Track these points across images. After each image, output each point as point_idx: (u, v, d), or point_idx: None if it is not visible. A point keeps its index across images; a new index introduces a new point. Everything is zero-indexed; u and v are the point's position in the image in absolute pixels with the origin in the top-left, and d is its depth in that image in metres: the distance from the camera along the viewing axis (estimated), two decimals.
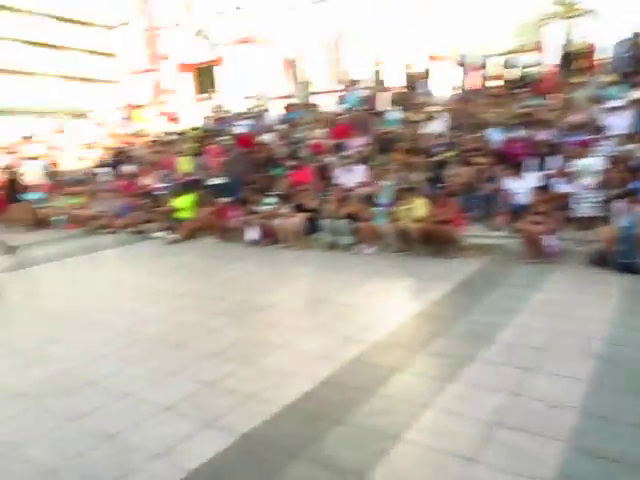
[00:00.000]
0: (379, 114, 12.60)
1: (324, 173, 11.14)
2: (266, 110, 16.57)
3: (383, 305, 5.92)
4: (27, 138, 21.63)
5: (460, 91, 14.59)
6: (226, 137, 12.00)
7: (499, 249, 7.66)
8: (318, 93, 16.67)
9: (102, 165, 15.84)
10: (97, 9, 40.84)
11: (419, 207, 8.16)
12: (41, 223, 13.79)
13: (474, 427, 3.34)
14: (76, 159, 16.99)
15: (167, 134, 16.98)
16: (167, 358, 4.79)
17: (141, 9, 27.76)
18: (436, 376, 4.08)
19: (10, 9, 37.10)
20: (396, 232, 8.26)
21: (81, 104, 32.00)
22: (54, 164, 16.79)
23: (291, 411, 3.69)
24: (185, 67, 25.22)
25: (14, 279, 8.60)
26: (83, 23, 41.78)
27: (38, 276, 8.73)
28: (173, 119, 19.38)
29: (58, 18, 40.06)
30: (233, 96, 19.46)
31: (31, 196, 14.98)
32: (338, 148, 11.42)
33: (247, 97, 20.20)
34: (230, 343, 5.03)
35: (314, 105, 14.65)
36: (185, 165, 13.45)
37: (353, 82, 15.69)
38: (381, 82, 15.41)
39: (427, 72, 16.86)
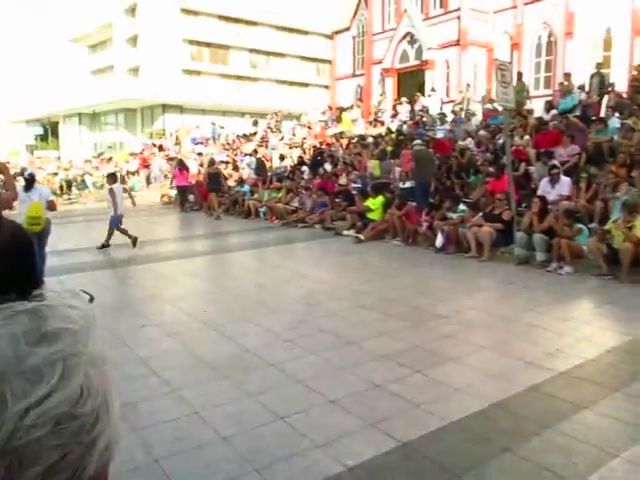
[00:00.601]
0: (596, 121, 11.38)
1: (524, 183, 10.47)
2: (473, 114, 16.10)
3: (575, 332, 5.35)
4: (245, 136, 24.17)
5: None
6: (420, 141, 11.93)
7: None
8: (527, 98, 15.70)
9: (304, 163, 16.96)
10: (315, 19, 43.86)
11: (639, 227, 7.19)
12: (247, 213, 15.31)
13: None
14: (283, 157, 18.44)
15: (365, 137, 17.51)
16: (340, 352, 4.93)
17: (356, 17, 29.01)
18: (631, 422, 3.56)
19: (237, 20, 41.80)
20: (604, 252, 7.39)
21: (294, 107, 34.76)
22: (264, 160, 18.46)
23: (456, 428, 3.53)
24: (390, 71, 25.71)
25: (213, 263, 9.66)
26: (301, 32, 45.18)
27: (232, 262, 9.66)
28: (375, 122, 19.90)
29: (278, 28, 43.94)
30: (437, 100, 19.27)
31: (241, 188, 16.71)
32: (543, 157, 10.62)
33: (451, 101, 19.88)
34: (402, 348, 5.00)
35: (520, 110, 13.80)
36: (373, 168, 13.76)
37: (567, 86, 14.43)
38: (603, 86, 13.88)
39: None
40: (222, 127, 26.80)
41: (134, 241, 10.66)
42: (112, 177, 11.56)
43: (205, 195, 16.97)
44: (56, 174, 21.17)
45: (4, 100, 55.92)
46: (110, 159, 27.18)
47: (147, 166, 25.09)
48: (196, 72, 40.68)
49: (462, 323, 5.70)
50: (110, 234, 10.65)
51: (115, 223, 10.64)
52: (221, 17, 41.37)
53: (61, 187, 21.03)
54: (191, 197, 18.34)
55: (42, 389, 0.48)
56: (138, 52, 39.30)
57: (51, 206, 7.19)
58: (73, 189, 22.88)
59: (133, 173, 24.50)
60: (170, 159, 23.59)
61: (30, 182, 7.25)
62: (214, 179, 16.66)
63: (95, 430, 0.52)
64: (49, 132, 47.29)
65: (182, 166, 18.40)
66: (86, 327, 0.55)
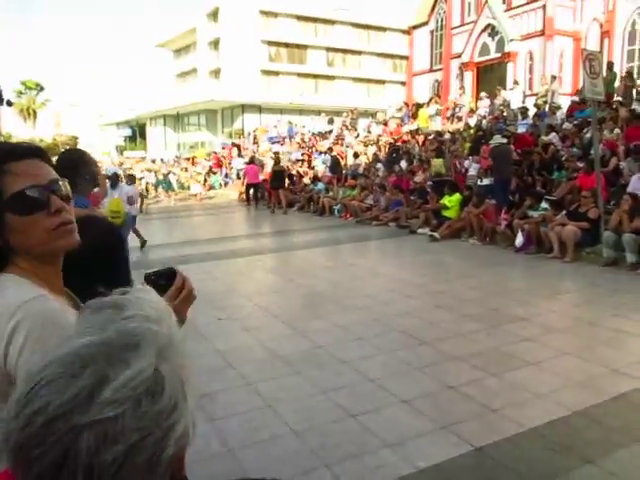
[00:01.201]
0: None
1: (613, 179, 9.87)
2: (558, 107, 15.36)
3: None
4: (321, 134, 24.36)
5: None
6: (499, 136, 11.51)
7: None
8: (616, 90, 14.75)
9: (379, 161, 16.86)
10: (392, 14, 43.52)
11: None
12: (322, 211, 15.43)
13: None
14: (357, 154, 18.43)
15: (443, 133, 17.14)
16: (414, 352, 4.87)
17: (434, 10, 28.45)
18: None
19: (315, 20, 42.18)
20: None
21: (370, 104, 34.66)
22: (339, 158, 18.53)
23: (534, 436, 3.39)
24: (469, 65, 25.01)
25: (288, 259, 9.81)
26: (378, 28, 44.88)
27: (306, 258, 9.76)
28: (453, 118, 19.44)
29: (355, 25, 43.87)
30: (519, 94, 18.52)
31: (315, 186, 16.87)
32: (634, 152, 9.95)
33: (534, 95, 19.05)
34: (478, 350, 4.86)
35: (609, 102, 13.00)
36: (439, 166, 13.46)
37: None
38: None
39: None
40: (303, 126, 27.18)
41: (143, 243, 10.85)
42: (131, 178, 12.05)
43: (270, 192, 17.76)
44: (142, 178, 22.04)
45: (96, 104, 59.66)
46: (193, 159, 28.17)
47: (220, 165, 25.91)
48: (274, 72, 41.47)
49: (542, 326, 5.46)
50: (138, 233, 10.86)
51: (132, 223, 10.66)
52: (299, 17, 41.91)
53: (147, 189, 21.90)
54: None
55: (127, 370, 0.54)
56: (219, 55, 40.59)
57: (130, 201, 7.87)
58: (159, 189, 23.97)
59: (214, 172, 25.37)
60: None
61: (115, 180, 7.93)
62: (278, 177, 17.39)
63: (173, 416, 0.55)
64: (137, 133, 49.91)
65: (253, 164, 19.15)
66: (161, 318, 0.61)
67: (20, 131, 46.44)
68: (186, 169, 25.34)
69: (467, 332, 5.33)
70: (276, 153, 21.96)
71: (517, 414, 3.66)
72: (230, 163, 25.52)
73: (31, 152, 1.13)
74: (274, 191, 17.23)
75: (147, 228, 12.34)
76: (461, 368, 4.46)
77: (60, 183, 1.15)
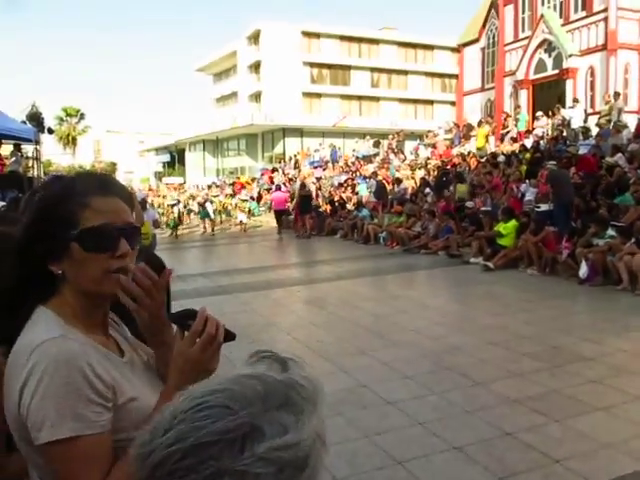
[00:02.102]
0: None
1: None
2: (624, 126, 14.97)
3: None
4: (365, 158, 24.49)
5: None
6: (554, 162, 11.28)
7: None
8: None
9: (427, 185, 16.75)
10: (440, 32, 43.84)
11: None
12: (366, 239, 15.40)
13: None
14: (404, 178, 18.39)
15: (496, 155, 16.93)
16: (466, 394, 4.72)
17: (485, 27, 28.47)
18: None
19: (359, 40, 42.88)
20: None
21: (417, 125, 34.74)
22: (385, 183, 18.53)
23: None
24: (525, 83, 24.78)
25: (329, 290, 9.77)
26: (425, 47, 45.22)
27: (349, 289, 9.70)
28: (509, 139, 19.21)
29: (401, 44, 44.33)
30: (580, 112, 18.17)
31: (359, 213, 16.88)
32: None
33: (596, 113, 18.66)
34: (539, 392, 4.66)
35: None
36: (461, 192, 13.37)
37: None
38: None
39: None
40: (353, 150, 27.45)
41: None
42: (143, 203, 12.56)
43: (297, 217, 18.53)
44: (174, 205, 21.79)
45: (136, 130, 62.01)
46: (241, 185, 28.25)
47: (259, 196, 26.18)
48: (316, 95, 42.25)
49: (611, 367, 5.21)
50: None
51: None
52: (342, 37, 42.74)
53: (179, 216, 21.66)
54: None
55: (287, 435, 0.56)
56: (260, 78, 41.70)
57: (155, 224, 9.01)
58: (192, 216, 24.29)
59: (253, 198, 25.70)
60: (289, 181, 24.53)
61: (143, 205, 8.99)
62: (305, 202, 18.17)
63: None
64: (176, 159, 51.44)
65: (279, 190, 20.14)
66: (317, 397, 0.63)
67: (60, 158, 48.60)
68: (232, 195, 25.35)
69: (525, 372, 5.14)
70: (319, 179, 22.17)
71: (583, 466, 3.46)
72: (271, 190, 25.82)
73: (117, 192, 1.18)
74: (301, 217, 18.07)
75: (181, 256, 12.62)
76: (519, 412, 4.29)
77: (134, 229, 1.18)
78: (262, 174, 30.46)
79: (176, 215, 20.95)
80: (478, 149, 18.87)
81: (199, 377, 0.95)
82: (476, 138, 19.81)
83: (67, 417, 1.00)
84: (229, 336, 1.13)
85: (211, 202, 21.66)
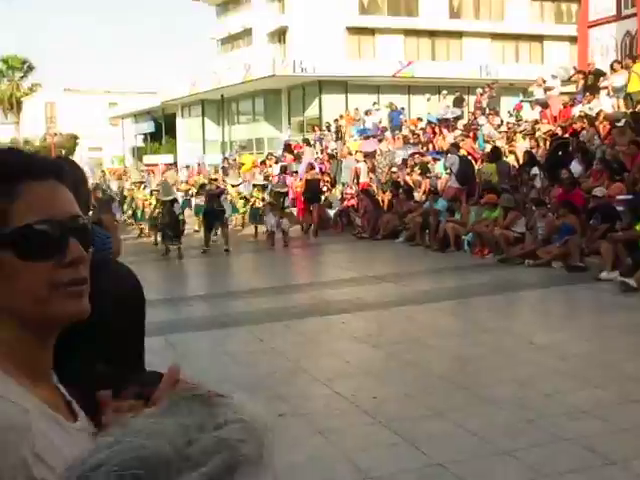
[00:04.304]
0: None
1: None
2: None
3: None
4: (442, 123, 24.39)
5: None
6: None
7: None
8: None
9: (534, 163, 16.51)
10: None
11: None
12: (444, 243, 15.28)
13: None
14: (499, 153, 18.20)
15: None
16: (596, 476, 4.67)
17: None
18: None
19: None
20: None
21: (519, 73, 34.54)
22: (470, 159, 18.36)
23: None
24: None
25: (389, 320, 9.72)
26: None
27: (418, 319, 9.68)
28: None
29: None
30: None
31: (435, 205, 16.78)
32: None
33: None
34: None
35: None
36: (490, 174, 12.98)
37: None
38: None
39: None
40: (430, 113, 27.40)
41: None
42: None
43: (302, 207, 19.51)
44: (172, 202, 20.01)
45: (105, 88, 62.92)
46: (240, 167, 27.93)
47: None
48: (368, 31, 42.24)
49: None
50: None
51: None
52: None
53: (177, 221, 20.79)
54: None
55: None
56: (285, 8, 41.92)
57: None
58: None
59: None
60: (329, 159, 24.62)
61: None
62: (312, 187, 19.10)
63: None
64: (163, 129, 52.13)
65: (285, 173, 20.75)
66: (261, 433, 0.69)
67: None
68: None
69: None
70: (367, 155, 22.14)
71: None
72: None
73: (51, 170, 1.17)
74: (307, 205, 19.07)
75: (171, 270, 12.69)
76: None
77: (84, 222, 1.18)
78: (287, 149, 29.94)
79: (171, 218, 17.86)
80: (628, 95, 18.40)
81: None
82: (628, 80, 19.21)
83: None
84: None
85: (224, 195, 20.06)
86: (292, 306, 10.45)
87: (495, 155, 17.76)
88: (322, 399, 6.43)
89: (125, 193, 26.33)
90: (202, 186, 21.48)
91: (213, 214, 17.73)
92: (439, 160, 20.18)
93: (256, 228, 20.10)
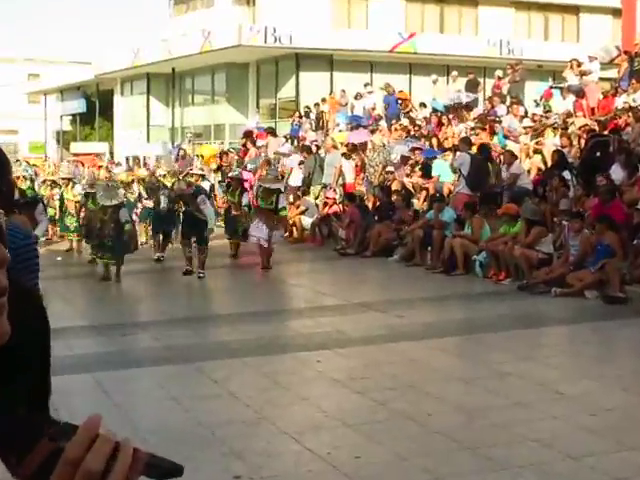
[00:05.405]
0: None
1: None
2: None
3: None
4: (454, 110, 24.54)
5: None
6: None
7: None
8: None
9: (565, 166, 16.61)
10: None
11: None
12: (449, 264, 15.33)
13: None
14: (523, 151, 18.33)
15: None
16: None
17: None
18: None
19: None
20: None
21: (549, 52, 34.83)
22: (485, 159, 18.45)
23: None
24: None
25: (377, 359, 9.73)
26: None
27: (415, 359, 9.73)
28: None
29: None
30: None
31: (441, 215, 16.85)
32: None
33: None
34: None
35: None
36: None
37: None
38: None
39: None
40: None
41: None
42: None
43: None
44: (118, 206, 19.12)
45: (25, 56, 62.78)
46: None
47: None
48: None
49: None
50: None
51: None
52: None
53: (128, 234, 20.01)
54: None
55: None
56: None
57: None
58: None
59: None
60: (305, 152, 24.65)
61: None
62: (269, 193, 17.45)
63: None
64: (96, 109, 51.89)
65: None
66: None
67: None
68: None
69: None
70: (354, 147, 22.18)
71: None
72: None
73: None
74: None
75: (103, 291, 12.57)
76: None
77: None
78: (247, 137, 29.62)
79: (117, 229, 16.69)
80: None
81: None
82: None
83: None
84: (165, 474, 1.03)
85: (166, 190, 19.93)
86: (255, 339, 10.43)
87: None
88: (290, 457, 6.41)
89: (42, 192, 23.73)
90: (149, 183, 21.42)
91: (190, 222, 16.88)
92: (436, 159, 20.11)
93: (237, 246, 19.18)
